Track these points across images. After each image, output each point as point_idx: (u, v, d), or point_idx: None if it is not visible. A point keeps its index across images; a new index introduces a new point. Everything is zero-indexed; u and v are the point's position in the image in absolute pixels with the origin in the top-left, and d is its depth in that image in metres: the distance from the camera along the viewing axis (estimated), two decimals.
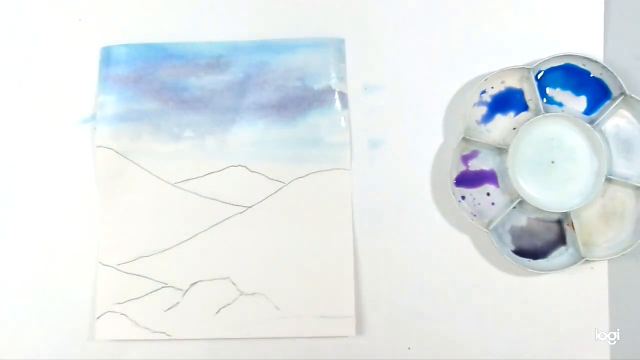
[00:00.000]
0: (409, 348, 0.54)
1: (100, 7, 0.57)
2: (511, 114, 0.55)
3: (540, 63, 0.54)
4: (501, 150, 0.54)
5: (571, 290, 0.54)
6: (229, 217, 0.55)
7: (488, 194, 0.55)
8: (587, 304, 0.54)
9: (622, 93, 0.53)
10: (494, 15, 0.56)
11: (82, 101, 0.56)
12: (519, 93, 0.55)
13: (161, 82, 0.56)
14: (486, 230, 0.53)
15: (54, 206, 0.56)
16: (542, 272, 0.53)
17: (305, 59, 0.56)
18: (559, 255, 0.54)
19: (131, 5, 0.57)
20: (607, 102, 0.54)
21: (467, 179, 0.55)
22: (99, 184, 0.55)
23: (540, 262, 0.54)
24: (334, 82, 0.56)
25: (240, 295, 0.55)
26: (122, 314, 0.54)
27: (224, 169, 0.55)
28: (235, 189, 0.55)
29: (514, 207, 0.54)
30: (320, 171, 0.55)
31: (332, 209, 0.55)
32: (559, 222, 0.54)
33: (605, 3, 0.55)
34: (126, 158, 0.55)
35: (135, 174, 0.55)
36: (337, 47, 0.56)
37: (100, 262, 0.55)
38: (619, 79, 0.53)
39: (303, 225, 0.55)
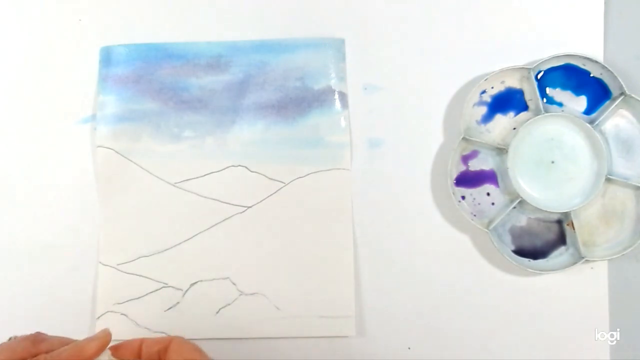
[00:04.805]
0: (409, 348, 0.54)
1: (100, 7, 0.57)
2: (511, 114, 0.55)
3: (540, 63, 0.54)
4: (501, 150, 0.54)
5: (571, 290, 0.54)
6: (229, 217, 0.55)
7: (488, 194, 0.55)
8: (587, 304, 0.54)
9: (622, 93, 0.53)
10: (494, 15, 0.56)
11: (82, 101, 0.56)
12: (519, 93, 0.55)
13: (161, 82, 0.56)
14: (486, 230, 0.53)
15: (54, 206, 0.56)
16: (542, 272, 0.53)
17: (305, 59, 0.56)
18: (559, 255, 0.54)
19: (131, 5, 0.57)
20: (607, 102, 0.54)
21: (467, 179, 0.55)
22: (99, 184, 0.55)
23: (540, 262, 0.54)
24: (334, 82, 0.56)
25: (240, 295, 0.54)
26: (122, 314, 0.54)
27: (224, 169, 0.55)
28: (235, 189, 0.55)
29: (514, 207, 0.54)
30: (320, 171, 0.55)
31: (332, 209, 0.55)
32: (559, 222, 0.54)
33: (605, 3, 0.55)
34: (126, 158, 0.55)
35: (135, 174, 0.55)
36: (337, 47, 0.56)
37: (100, 262, 0.55)
38: (619, 79, 0.53)
39: (303, 226, 0.55)
